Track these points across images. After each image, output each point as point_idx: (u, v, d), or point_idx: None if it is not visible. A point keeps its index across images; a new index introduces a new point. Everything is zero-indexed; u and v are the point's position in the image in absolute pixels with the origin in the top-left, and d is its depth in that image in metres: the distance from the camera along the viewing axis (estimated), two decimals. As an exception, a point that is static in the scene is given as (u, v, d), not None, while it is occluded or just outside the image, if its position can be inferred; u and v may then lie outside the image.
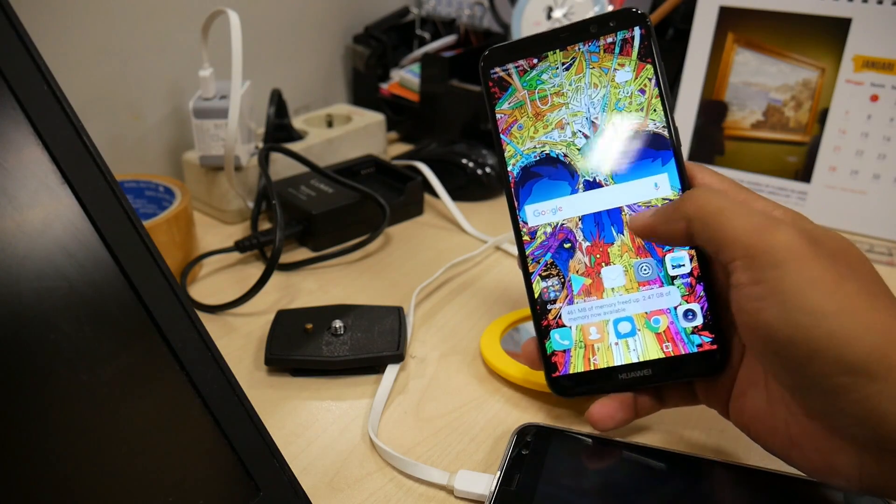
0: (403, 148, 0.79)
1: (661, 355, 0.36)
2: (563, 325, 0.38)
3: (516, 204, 0.39)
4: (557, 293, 0.38)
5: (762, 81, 0.63)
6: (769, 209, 0.33)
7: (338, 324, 0.46)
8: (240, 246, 0.56)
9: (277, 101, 0.67)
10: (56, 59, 0.58)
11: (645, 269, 0.37)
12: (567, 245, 0.38)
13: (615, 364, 0.37)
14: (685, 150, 0.64)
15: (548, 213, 0.38)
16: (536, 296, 0.38)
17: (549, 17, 0.65)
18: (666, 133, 0.37)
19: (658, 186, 0.37)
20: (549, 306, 0.38)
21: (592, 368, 0.37)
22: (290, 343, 0.45)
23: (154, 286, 0.28)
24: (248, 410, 0.30)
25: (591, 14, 0.63)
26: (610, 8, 0.63)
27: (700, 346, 0.36)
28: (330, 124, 0.74)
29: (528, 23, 0.66)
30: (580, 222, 0.38)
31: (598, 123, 0.38)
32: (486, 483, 0.35)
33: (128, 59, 0.64)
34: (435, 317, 0.51)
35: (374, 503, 0.35)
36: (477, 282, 0.55)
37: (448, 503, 0.36)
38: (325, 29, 0.83)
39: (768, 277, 0.28)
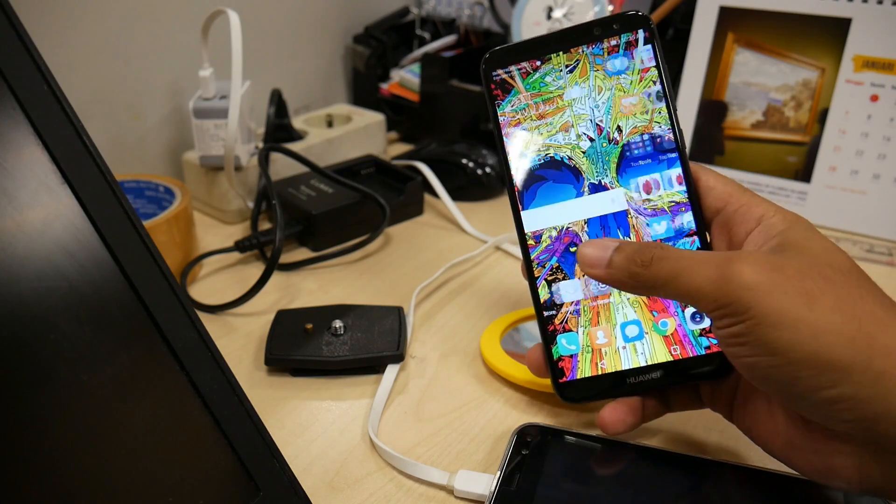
0: (403, 148, 0.79)
1: (670, 358, 0.36)
2: (570, 330, 0.38)
3: (520, 207, 0.38)
4: (564, 297, 0.38)
5: (762, 81, 0.63)
6: (769, 212, 0.33)
7: (338, 324, 0.46)
8: (240, 246, 0.56)
9: (277, 101, 0.67)
10: (56, 59, 0.58)
11: None
12: (573, 249, 0.38)
13: (623, 368, 0.37)
14: (685, 150, 0.64)
15: (553, 216, 0.38)
16: (542, 300, 0.38)
17: (548, 17, 0.65)
18: (671, 135, 0.37)
19: (664, 188, 0.37)
20: (555, 311, 0.38)
21: (600, 373, 0.37)
22: (290, 343, 0.45)
23: (154, 286, 0.28)
24: (248, 410, 0.30)
25: (590, 14, 0.63)
26: (610, 8, 0.63)
27: (708, 348, 0.36)
28: (330, 124, 0.74)
29: (528, 23, 0.66)
30: (586, 225, 0.38)
31: (603, 126, 0.37)
32: (486, 483, 0.35)
33: (128, 59, 0.64)
34: (435, 317, 0.51)
35: (374, 503, 0.35)
36: (477, 282, 0.55)
37: (448, 503, 0.36)
38: (325, 29, 0.83)
39: (741, 321, 0.28)
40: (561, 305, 0.38)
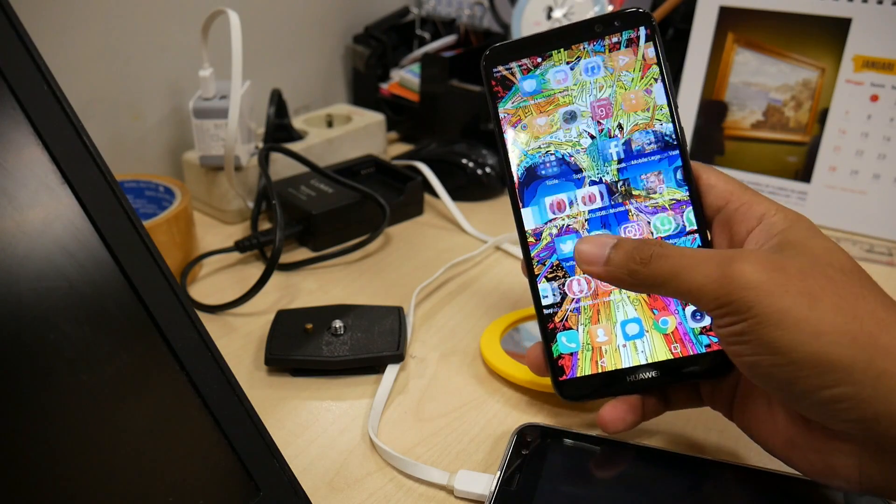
0: (403, 148, 0.79)
1: (670, 356, 0.36)
2: (570, 328, 0.38)
3: (521, 205, 0.38)
4: (564, 295, 0.38)
5: (762, 81, 0.63)
6: (770, 211, 0.33)
7: (338, 324, 0.46)
8: (240, 246, 0.56)
9: (277, 101, 0.67)
10: (56, 59, 0.58)
11: None
12: (573, 246, 0.38)
13: (623, 366, 0.37)
14: (685, 150, 0.64)
15: (553, 213, 0.38)
16: (542, 298, 0.38)
17: (549, 17, 0.65)
18: (672, 132, 0.37)
19: (665, 186, 0.37)
20: (555, 309, 0.38)
21: (600, 371, 0.37)
22: (290, 343, 0.45)
23: (154, 286, 0.28)
24: (248, 410, 0.30)
25: (590, 14, 0.63)
26: (610, 8, 0.63)
27: (708, 346, 0.36)
28: (330, 124, 0.74)
29: (528, 23, 0.66)
30: (587, 223, 0.38)
31: (604, 123, 0.37)
32: (486, 483, 0.35)
33: (128, 59, 0.64)
34: (435, 317, 0.51)
35: (374, 503, 0.35)
36: (477, 282, 0.55)
37: (448, 503, 0.36)
38: (325, 29, 0.83)
39: (742, 320, 0.28)
40: (561, 303, 0.38)
